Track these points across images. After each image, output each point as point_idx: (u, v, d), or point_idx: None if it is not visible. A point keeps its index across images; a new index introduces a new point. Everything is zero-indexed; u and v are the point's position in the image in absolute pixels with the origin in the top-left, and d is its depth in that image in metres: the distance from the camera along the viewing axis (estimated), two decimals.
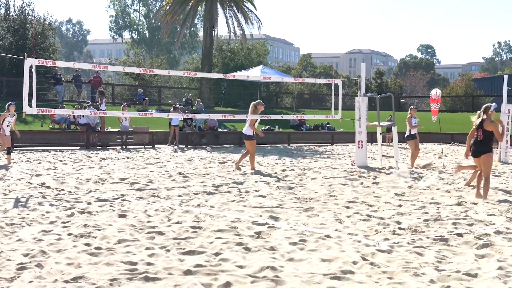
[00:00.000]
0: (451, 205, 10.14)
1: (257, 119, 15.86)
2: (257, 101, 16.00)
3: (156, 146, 26.11)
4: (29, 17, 36.45)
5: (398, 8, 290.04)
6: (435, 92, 19.09)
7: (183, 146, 26.83)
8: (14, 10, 37.10)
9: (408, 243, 7.14)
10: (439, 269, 6.03)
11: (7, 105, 16.65)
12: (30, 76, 12.81)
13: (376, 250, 6.73)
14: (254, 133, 15.68)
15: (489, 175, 11.31)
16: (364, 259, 6.32)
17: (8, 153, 16.51)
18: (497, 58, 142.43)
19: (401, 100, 51.75)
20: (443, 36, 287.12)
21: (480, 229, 8.03)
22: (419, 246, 7.00)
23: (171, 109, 28.83)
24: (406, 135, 18.03)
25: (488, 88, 59.74)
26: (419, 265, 6.14)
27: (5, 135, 16.50)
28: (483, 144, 11.17)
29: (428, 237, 7.48)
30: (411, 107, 18.48)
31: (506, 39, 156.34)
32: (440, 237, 7.45)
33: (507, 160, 20.21)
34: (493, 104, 11.21)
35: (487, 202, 10.50)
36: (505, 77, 21.30)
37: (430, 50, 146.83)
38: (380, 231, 7.81)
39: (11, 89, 32.22)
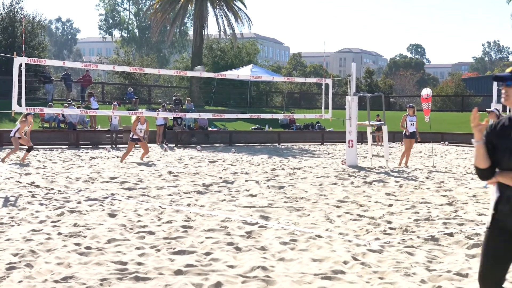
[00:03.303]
0: (441, 205, 10.17)
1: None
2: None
3: None
4: (18, 15, 36.23)
5: (388, 8, 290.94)
6: (426, 91, 19.10)
7: (173, 145, 26.77)
8: (3, 8, 36.86)
9: (399, 243, 7.14)
10: (430, 269, 6.03)
11: (25, 114, 16.44)
12: (20, 75, 12.76)
13: (367, 250, 6.73)
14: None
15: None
16: (355, 259, 6.31)
17: (28, 150, 16.97)
18: (486, 58, 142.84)
19: (391, 100, 51.87)
20: (433, 35, 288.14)
21: (471, 228, 8.05)
22: (409, 246, 7.01)
23: (160, 108, 28.75)
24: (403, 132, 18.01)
25: (478, 87, 60.03)
26: (410, 265, 6.14)
27: (19, 137, 16.86)
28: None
29: (418, 237, 7.49)
30: (408, 105, 18.35)
31: (495, 39, 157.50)
32: (430, 237, 7.46)
33: None
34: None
35: (477, 202, 10.54)
36: None
37: (419, 50, 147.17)
38: (371, 231, 7.82)
39: (0, 87, 32.03)
